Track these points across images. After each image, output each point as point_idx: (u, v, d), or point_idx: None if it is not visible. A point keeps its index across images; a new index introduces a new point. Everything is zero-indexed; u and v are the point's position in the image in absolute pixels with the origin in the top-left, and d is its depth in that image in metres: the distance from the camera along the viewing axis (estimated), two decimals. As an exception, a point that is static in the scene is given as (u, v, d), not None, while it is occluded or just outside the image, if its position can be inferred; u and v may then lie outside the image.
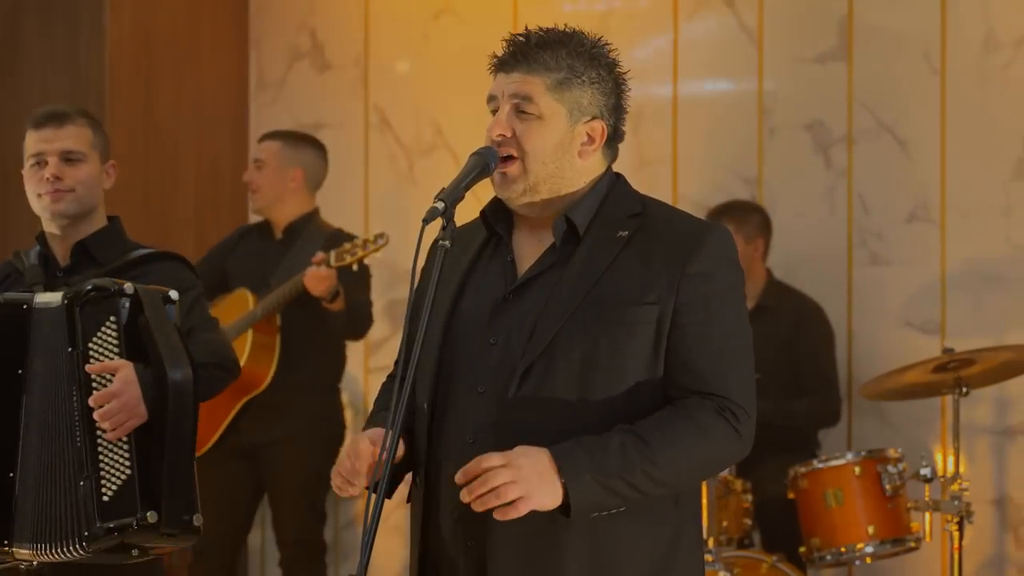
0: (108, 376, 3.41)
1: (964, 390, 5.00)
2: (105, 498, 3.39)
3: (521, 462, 2.64)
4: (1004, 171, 5.86)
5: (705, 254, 2.82)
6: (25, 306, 3.54)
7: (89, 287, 3.45)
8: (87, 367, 3.42)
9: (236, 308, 5.58)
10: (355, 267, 5.35)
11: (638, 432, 2.73)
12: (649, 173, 6.23)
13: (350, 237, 5.63)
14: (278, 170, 5.72)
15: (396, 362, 3.03)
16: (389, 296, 6.56)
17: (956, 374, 4.98)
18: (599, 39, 2.92)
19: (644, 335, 2.78)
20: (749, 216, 5.81)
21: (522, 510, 2.64)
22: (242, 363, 5.41)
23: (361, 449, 2.79)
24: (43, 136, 3.78)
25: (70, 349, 3.44)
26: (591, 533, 2.76)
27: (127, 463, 3.42)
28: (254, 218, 6.36)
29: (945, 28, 5.95)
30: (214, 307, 5.68)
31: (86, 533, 3.38)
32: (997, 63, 5.88)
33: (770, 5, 6.21)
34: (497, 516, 2.65)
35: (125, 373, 3.41)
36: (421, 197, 6.41)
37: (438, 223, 2.78)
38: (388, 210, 6.72)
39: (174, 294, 3.54)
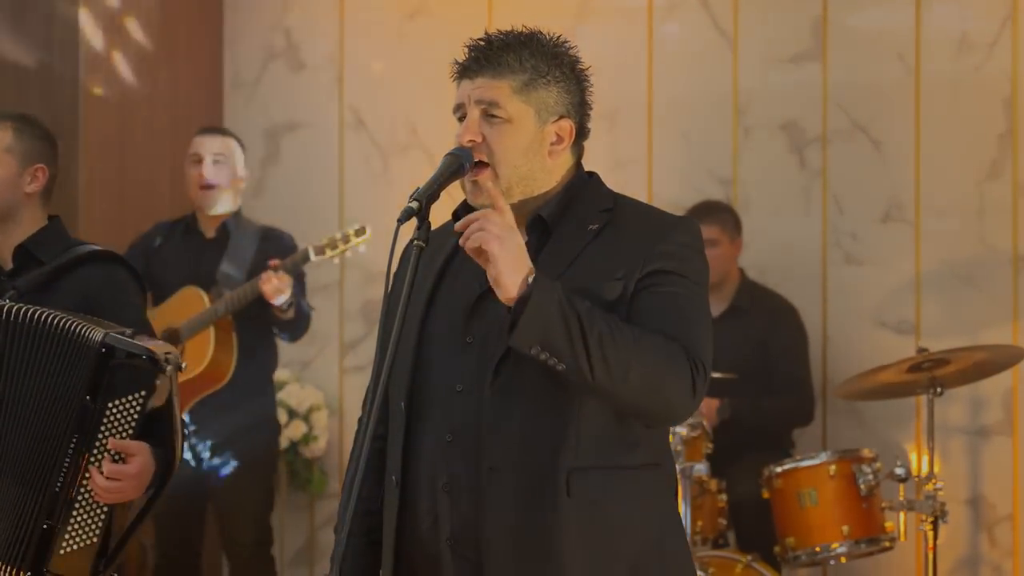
0: (119, 454, 3.36)
1: (938, 390, 5.01)
2: (62, 551, 3.37)
3: (510, 234, 2.66)
4: (978, 171, 5.88)
5: (673, 239, 2.83)
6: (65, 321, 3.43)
7: (137, 348, 3.35)
8: (111, 441, 3.34)
9: (189, 306, 5.55)
10: (336, 260, 5.38)
11: (615, 319, 2.71)
12: (624, 173, 6.22)
13: (279, 234, 5.69)
14: (234, 168, 5.71)
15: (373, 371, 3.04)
16: (364, 296, 6.55)
17: (930, 374, 4.99)
18: (558, 38, 2.92)
19: (616, 311, 2.77)
20: (729, 216, 5.83)
21: (482, 243, 2.66)
22: (207, 358, 5.40)
23: None
24: None
25: (88, 397, 3.35)
26: (580, 510, 2.76)
27: (96, 531, 3.39)
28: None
29: (920, 29, 5.97)
30: (163, 309, 5.66)
31: (30, 573, 3.36)
32: (971, 64, 5.90)
33: (745, 6, 6.21)
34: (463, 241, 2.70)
35: (144, 460, 3.37)
36: (396, 197, 6.40)
37: (413, 223, 2.78)
38: (363, 210, 6.70)
39: (184, 364, 3.49)
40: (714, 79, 6.25)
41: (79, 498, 3.37)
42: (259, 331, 5.59)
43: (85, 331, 3.38)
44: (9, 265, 3.74)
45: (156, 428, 3.41)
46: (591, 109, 2.94)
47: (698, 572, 4.86)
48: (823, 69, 6.09)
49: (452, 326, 2.87)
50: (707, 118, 6.26)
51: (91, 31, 6.23)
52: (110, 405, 3.35)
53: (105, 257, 3.74)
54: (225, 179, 5.67)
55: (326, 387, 6.57)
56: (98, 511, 3.39)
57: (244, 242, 5.61)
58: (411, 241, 2.82)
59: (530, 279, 2.64)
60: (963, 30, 5.90)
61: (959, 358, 5.01)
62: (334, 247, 5.33)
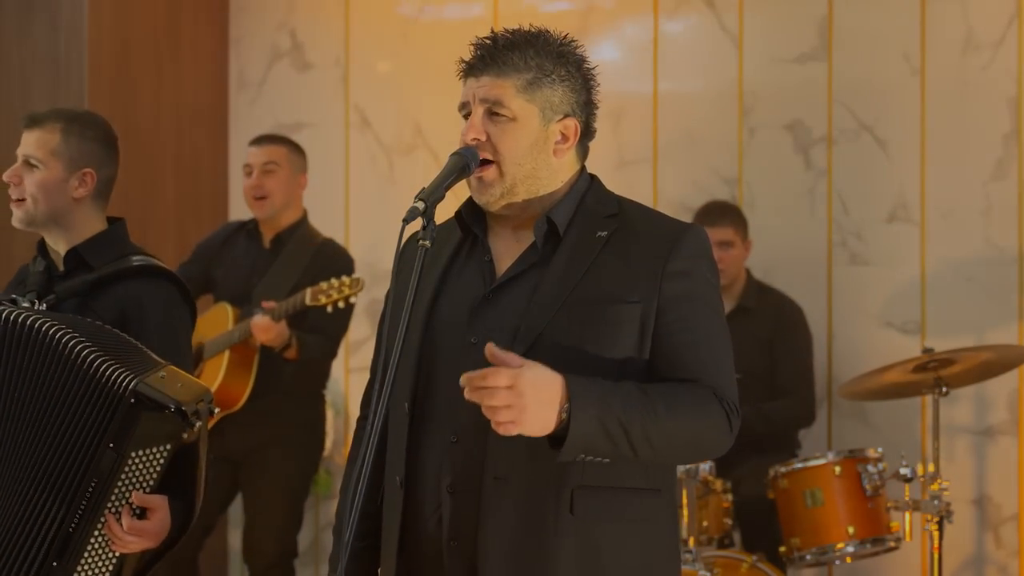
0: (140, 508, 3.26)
1: (944, 390, 5.00)
2: None
3: (525, 389, 2.60)
4: (983, 171, 5.87)
5: (683, 253, 2.83)
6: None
7: (166, 399, 3.21)
8: (135, 495, 3.22)
9: (216, 324, 5.52)
10: (329, 309, 5.24)
11: (646, 390, 2.73)
12: (629, 173, 6.23)
13: (335, 253, 5.59)
14: (291, 175, 5.60)
15: (371, 370, 3.03)
16: (370, 295, 6.55)
17: (936, 374, 4.99)
18: (565, 36, 2.92)
19: (628, 334, 2.79)
20: (741, 219, 5.83)
21: (509, 432, 2.63)
22: (217, 383, 5.35)
23: None
24: (21, 139, 3.67)
25: (112, 445, 3.20)
26: (580, 528, 2.77)
27: (106, 574, 3.30)
28: (236, 212, 6.36)
29: (925, 29, 5.96)
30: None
31: None
32: (976, 64, 5.89)
33: (750, 5, 6.21)
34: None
35: (163, 516, 3.28)
36: (401, 197, 6.41)
37: (418, 223, 2.78)
38: (368, 210, 6.71)
39: (218, 411, 3.39)
40: (719, 79, 6.26)
41: (92, 541, 3.25)
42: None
43: (118, 375, 3.21)
44: (62, 267, 3.66)
45: (178, 478, 3.30)
46: (597, 108, 2.94)
47: (703, 572, 4.87)
48: (828, 69, 6.09)
49: (456, 327, 2.86)
50: (712, 118, 6.27)
51: (96, 31, 6.24)
52: (133, 455, 3.22)
53: (153, 272, 3.62)
54: (278, 187, 5.57)
55: (331, 387, 6.55)
56: (109, 556, 3.29)
57: (294, 258, 5.53)
58: (409, 239, 2.83)
59: (564, 413, 2.65)
60: (968, 30, 5.90)
61: (964, 358, 5.00)
62: (328, 295, 5.21)
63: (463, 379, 2.61)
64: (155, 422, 3.21)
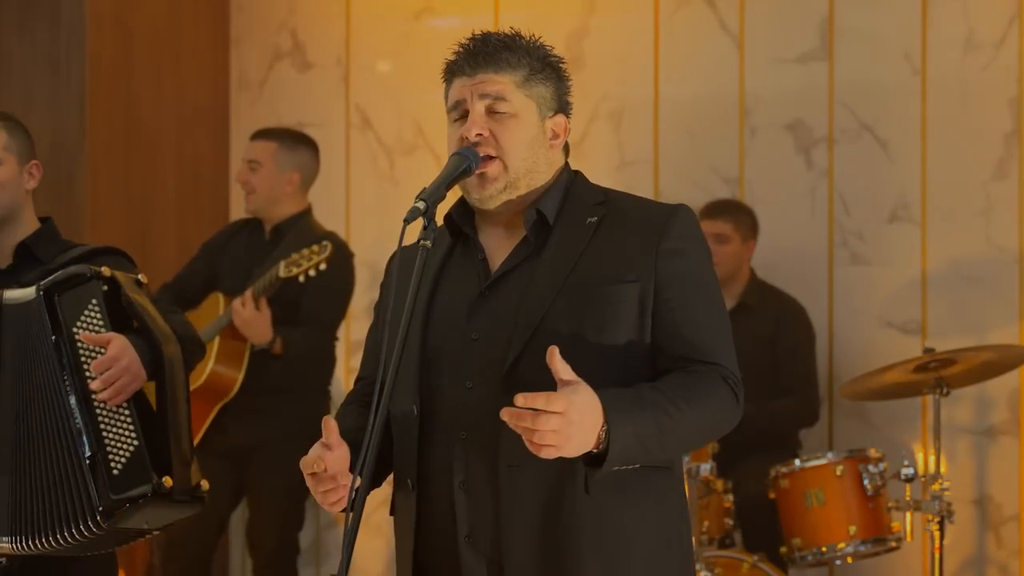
0: (100, 349, 3.46)
1: (945, 390, 5.00)
2: (115, 471, 3.41)
3: (575, 416, 2.59)
4: (984, 171, 5.87)
5: (675, 232, 2.85)
6: None
7: (63, 275, 3.50)
8: (82, 334, 3.46)
9: (209, 312, 5.53)
10: (301, 279, 5.24)
11: (664, 390, 2.74)
12: (630, 173, 6.22)
13: (336, 244, 5.58)
14: (274, 173, 5.58)
15: (358, 379, 3.04)
16: (371, 295, 6.55)
17: (937, 374, 4.99)
18: (540, 39, 2.95)
19: (627, 313, 2.80)
20: (745, 218, 5.82)
21: (548, 456, 2.62)
22: (207, 371, 5.36)
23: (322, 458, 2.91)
24: None
25: (54, 337, 3.47)
26: (597, 508, 2.77)
27: (132, 434, 3.45)
28: (237, 212, 6.35)
29: (926, 29, 5.96)
30: (192, 314, 5.64)
31: (101, 508, 3.38)
32: (977, 64, 5.89)
33: (751, 5, 6.21)
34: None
35: (120, 341, 3.46)
36: (402, 197, 6.41)
37: (419, 223, 2.79)
38: (369, 210, 6.71)
39: (143, 277, 3.63)
40: (720, 79, 6.25)
41: (98, 418, 3.43)
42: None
43: (15, 293, 3.51)
44: (8, 262, 3.75)
45: (125, 324, 3.53)
46: (572, 110, 2.98)
47: (704, 572, 4.87)
48: (829, 69, 6.09)
49: (454, 325, 2.87)
50: (713, 118, 6.26)
51: (97, 31, 6.24)
52: (74, 330, 3.47)
53: (113, 251, 3.78)
54: (261, 183, 5.57)
55: (332, 387, 6.57)
56: (121, 416, 3.46)
57: (293, 249, 5.53)
58: (394, 255, 2.84)
59: (603, 432, 2.65)
60: (969, 30, 5.90)
61: (965, 358, 5.00)
62: (299, 265, 5.21)
63: (517, 399, 2.58)
64: (69, 294, 3.50)
